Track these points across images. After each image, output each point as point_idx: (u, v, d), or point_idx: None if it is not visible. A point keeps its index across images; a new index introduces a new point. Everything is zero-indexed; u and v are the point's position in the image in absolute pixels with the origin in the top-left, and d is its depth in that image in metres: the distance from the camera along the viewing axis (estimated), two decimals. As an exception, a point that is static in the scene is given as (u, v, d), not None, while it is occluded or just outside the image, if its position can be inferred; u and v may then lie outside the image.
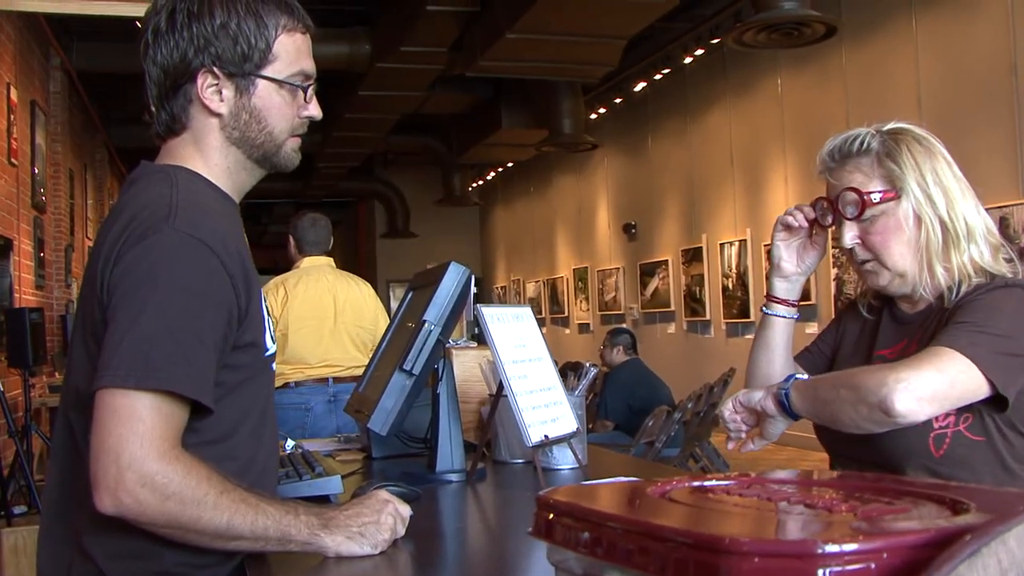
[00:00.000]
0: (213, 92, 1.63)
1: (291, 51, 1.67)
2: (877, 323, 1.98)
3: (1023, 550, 0.70)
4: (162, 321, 1.43)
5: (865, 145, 1.84)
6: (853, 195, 1.81)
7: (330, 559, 1.51)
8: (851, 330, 2.06)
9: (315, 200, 19.55)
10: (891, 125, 1.86)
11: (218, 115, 1.65)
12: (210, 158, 1.67)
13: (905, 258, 1.82)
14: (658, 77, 11.68)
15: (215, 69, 1.62)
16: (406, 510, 1.63)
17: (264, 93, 1.66)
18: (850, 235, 1.85)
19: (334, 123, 13.61)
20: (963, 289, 1.79)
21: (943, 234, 1.79)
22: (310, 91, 1.71)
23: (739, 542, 0.71)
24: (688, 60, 10.98)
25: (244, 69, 1.63)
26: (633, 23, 9.24)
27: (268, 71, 1.65)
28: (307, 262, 5.10)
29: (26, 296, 8.25)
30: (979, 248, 1.80)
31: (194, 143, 1.67)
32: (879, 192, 1.80)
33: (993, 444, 1.72)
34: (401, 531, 1.60)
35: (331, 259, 5.22)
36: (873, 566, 0.69)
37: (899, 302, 1.93)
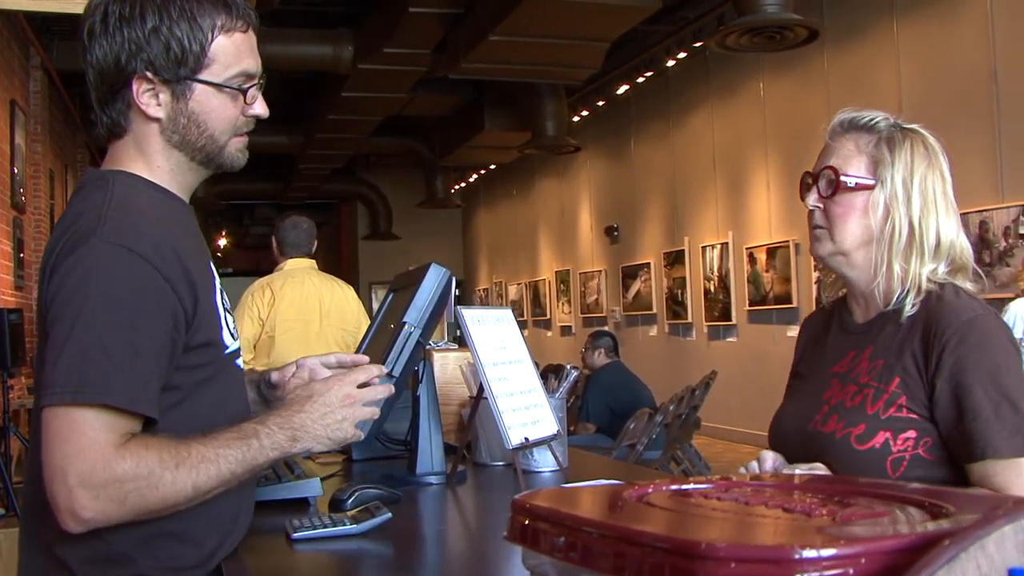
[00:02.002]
0: (149, 97, 1.58)
1: (230, 52, 1.61)
2: (827, 335, 1.98)
3: (1002, 555, 0.69)
4: (92, 335, 1.42)
5: (873, 123, 1.84)
6: (831, 175, 1.82)
7: (309, 561, 1.50)
8: (807, 345, 2.07)
9: (297, 202, 19.49)
10: (912, 124, 1.86)
11: (156, 119, 1.60)
12: (152, 161, 1.63)
13: (854, 239, 1.82)
14: (641, 80, 11.70)
15: (148, 75, 1.57)
16: (374, 392, 1.69)
17: (202, 97, 1.60)
18: (813, 198, 1.86)
19: (316, 124, 13.58)
20: (911, 298, 1.78)
21: (908, 237, 1.78)
22: (251, 92, 1.65)
23: (715, 547, 0.70)
24: (671, 63, 10.99)
25: (179, 74, 1.58)
26: (616, 26, 9.24)
27: (205, 75, 1.59)
28: (289, 264, 5.09)
29: (5, 297, 8.19)
30: (940, 267, 1.79)
31: (136, 146, 1.63)
32: (855, 179, 1.80)
33: (946, 463, 1.71)
34: (372, 412, 1.68)
35: (313, 262, 5.20)
36: (851, 571, 0.68)
37: (852, 305, 1.93)
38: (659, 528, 0.80)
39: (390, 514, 1.73)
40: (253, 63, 1.65)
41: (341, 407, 1.61)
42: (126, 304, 1.45)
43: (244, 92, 1.63)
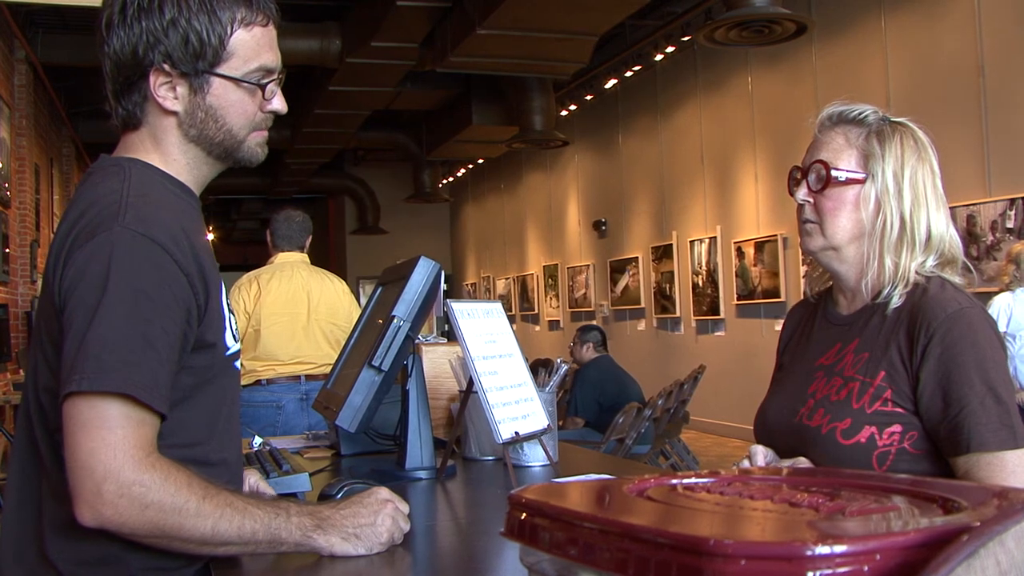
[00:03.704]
0: (167, 90, 1.56)
1: (249, 46, 1.58)
2: (812, 327, 1.97)
3: (1021, 550, 0.67)
4: (114, 325, 1.38)
5: (863, 117, 1.83)
6: (822, 169, 1.80)
7: (296, 560, 1.48)
8: (791, 336, 2.06)
9: (285, 196, 19.44)
10: (901, 118, 1.85)
11: (174, 113, 1.58)
12: (168, 153, 1.61)
13: (845, 234, 1.81)
14: (629, 74, 11.67)
15: (166, 67, 1.54)
16: (406, 508, 1.59)
17: (220, 91, 1.58)
18: (803, 192, 1.84)
19: (304, 118, 13.52)
20: (899, 291, 1.77)
21: (899, 231, 1.77)
22: (270, 87, 1.62)
23: (724, 544, 0.67)
24: (659, 57, 10.97)
25: (197, 67, 1.55)
26: (604, 20, 9.22)
27: (223, 69, 1.57)
28: (280, 258, 5.06)
29: (-11, 292, 8.13)
30: (929, 260, 1.78)
31: (152, 138, 1.60)
32: (846, 172, 1.79)
33: (932, 457, 1.70)
34: (405, 528, 1.57)
35: (305, 255, 5.17)
36: (866, 568, 0.65)
37: (838, 297, 1.92)
38: (663, 524, 0.77)
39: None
40: (273, 58, 1.62)
41: (379, 512, 1.53)
42: (147, 296, 1.42)
43: (263, 88, 1.61)
